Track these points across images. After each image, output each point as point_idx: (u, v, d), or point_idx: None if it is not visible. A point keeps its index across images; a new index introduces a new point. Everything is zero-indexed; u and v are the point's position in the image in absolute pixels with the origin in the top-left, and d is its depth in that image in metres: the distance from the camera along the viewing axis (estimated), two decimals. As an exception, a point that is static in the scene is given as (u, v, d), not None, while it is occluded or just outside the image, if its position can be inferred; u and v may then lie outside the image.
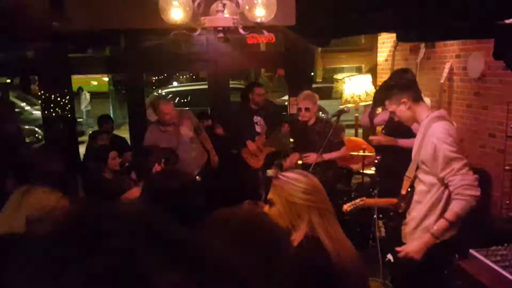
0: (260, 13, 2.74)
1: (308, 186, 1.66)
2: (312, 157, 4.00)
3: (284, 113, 7.94)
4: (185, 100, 9.90)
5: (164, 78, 11.19)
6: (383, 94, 2.66)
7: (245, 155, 5.06)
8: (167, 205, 1.66)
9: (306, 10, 2.65)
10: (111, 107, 11.48)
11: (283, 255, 0.99)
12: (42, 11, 4.12)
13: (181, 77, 11.54)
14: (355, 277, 1.55)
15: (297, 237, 1.58)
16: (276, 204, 1.68)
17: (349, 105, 5.33)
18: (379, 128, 4.47)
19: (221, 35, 2.88)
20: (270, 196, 1.72)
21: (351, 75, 5.65)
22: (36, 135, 8.92)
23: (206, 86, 7.13)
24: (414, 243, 2.42)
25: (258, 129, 5.13)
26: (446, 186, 2.38)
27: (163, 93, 10.03)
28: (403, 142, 3.63)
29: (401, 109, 2.53)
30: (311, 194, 1.65)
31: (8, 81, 11.05)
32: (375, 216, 4.10)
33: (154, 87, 10.24)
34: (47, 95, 4.46)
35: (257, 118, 5.15)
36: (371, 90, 5.46)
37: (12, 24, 3.64)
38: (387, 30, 3.55)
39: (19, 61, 4.78)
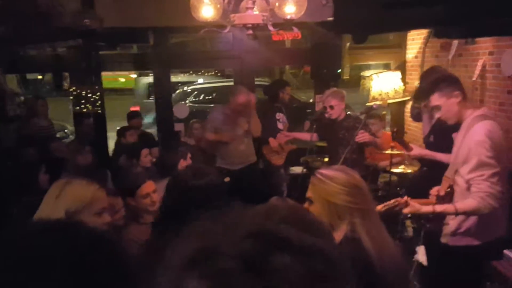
0: (290, 10, 2.73)
1: (350, 185, 1.59)
2: (365, 136, 3.78)
3: (308, 110, 7.89)
4: (210, 97, 9.96)
5: (190, 75, 11.30)
6: (430, 87, 2.57)
7: (266, 152, 5.07)
8: (192, 202, 1.68)
9: (344, 5, 2.62)
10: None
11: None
12: (73, 9, 4.22)
13: (206, 74, 11.63)
14: (398, 278, 1.51)
15: (336, 237, 1.52)
16: (315, 202, 1.63)
17: (378, 103, 5.26)
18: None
19: (250, 32, 2.89)
20: (309, 194, 1.66)
21: (379, 72, 5.56)
22: (65, 130, 9.15)
23: (230, 83, 7.17)
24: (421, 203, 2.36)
25: (280, 126, 5.14)
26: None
27: (189, 90, 10.11)
28: (443, 157, 3.11)
29: (452, 102, 2.42)
30: (352, 195, 1.58)
31: (40, 77, 11.40)
32: (402, 215, 4.04)
33: (180, 84, 10.31)
34: (78, 91, 4.57)
35: (279, 115, 5.15)
36: (400, 87, 5.37)
37: (44, 22, 3.74)
38: (429, 26, 3.44)
39: (51, 58, 4.92)
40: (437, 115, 2.58)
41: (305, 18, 2.97)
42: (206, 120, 4.80)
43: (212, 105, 8.51)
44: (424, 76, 3.24)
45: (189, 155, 3.71)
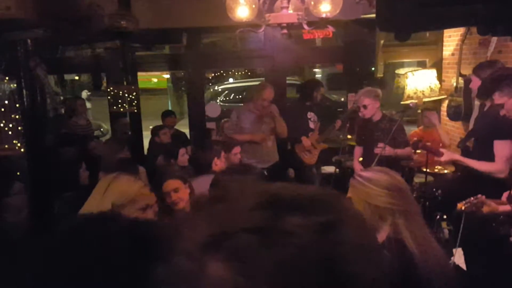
0: (325, 8, 2.72)
1: (391, 187, 1.56)
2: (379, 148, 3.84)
3: (339, 109, 7.81)
4: (240, 96, 10.02)
5: (220, 74, 11.43)
6: (490, 85, 2.51)
7: (299, 151, 5.06)
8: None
9: (387, 3, 2.58)
10: (169, 103, 11.90)
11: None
12: (111, 11, 4.34)
13: (236, 73, 11.72)
14: (442, 279, 1.48)
15: (380, 238, 1.50)
16: (355, 204, 1.60)
17: (412, 101, 5.16)
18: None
19: (285, 31, 2.90)
20: (349, 195, 1.65)
21: (414, 70, 5.44)
22: (101, 129, 9.44)
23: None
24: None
25: (311, 125, 5.12)
26: None
27: (219, 89, 10.22)
28: (475, 164, 2.94)
29: None
30: (394, 197, 1.55)
31: (77, 78, 11.82)
32: (438, 216, 3.94)
33: (210, 84, 10.45)
34: (115, 91, 4.70)
35: (310, 114, 5.14)
36: (436, 85, 5.23)
37: (85, 24, 3.86)
38: (474, 24, 3.32)
39: (90, 59, 5.09)
40: (501, 112, 2.51)
41: (339, 16, 2.95)
42: (230, 119, 4.85)
43: (241, 104, 8.57)
44: (484, 71, 3.14)
45: (223, 154, 3.75)
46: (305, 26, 2.83)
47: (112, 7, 4.45)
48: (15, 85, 3.05)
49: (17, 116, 3.04)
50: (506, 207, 2.30)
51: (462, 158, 3.11)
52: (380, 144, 3.70)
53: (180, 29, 5.38)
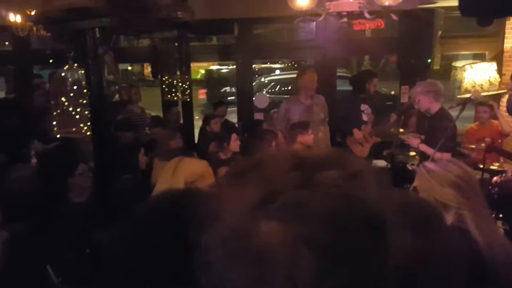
0: (389, -3, 2.67)
1: (458, 179, 1.54)
2: (414, 141, 3.81)
3: (389, 103, 7.62)
4: (287, 88, 10.01)
5: (266, 66, 11.48)
6: None
7: (350, 144, 5.00)
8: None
9: None
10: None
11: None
12: (168, 1, 4.46)
13: (283, 65, 11.71)
14: (510, 274, 1.45)
15: None
16: (420, 192, 1.60)
17: (468, 95, 4.96)
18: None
19: (345, 20, 2.87)
20: (415, 184, 1.65)
21: (473, 63, 5.23)
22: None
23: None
24: None
25: (364, 117, 5.03)
26: None
27: (266, 81, 10.26)
28: None
29: None
30: (460, 189, 1.53)
31: (130, 68, 12.26)
32: (493, 215, 3.79)
33: (256, 75, 10.52)
34: (170, 80, 4.84)
35: (364, 107, 5.05)
36: (496, 79, 5.02)
37: (146, 14, 3.99)
38: None
39: (149, 49, 5.26)
40: None
41: (401, 6, 2.89)
42: (279, 111, 4.87)
43: (287, 96, 8.57)
44: None
45: (274, 143, 3.78)
46: (366, 15, 2.80)
47: (169, -3, 4.57)
48: (82, 71, 3.22)
49: (84, 101, 3.20)
50: None
51: None
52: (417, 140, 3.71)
53: (231, 19, 5.44)
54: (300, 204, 0.48)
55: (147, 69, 12.03)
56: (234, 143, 3.97)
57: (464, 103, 3.55)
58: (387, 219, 0.50)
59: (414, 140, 3.81)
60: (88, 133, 3.22)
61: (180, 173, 1.78)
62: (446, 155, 3.82)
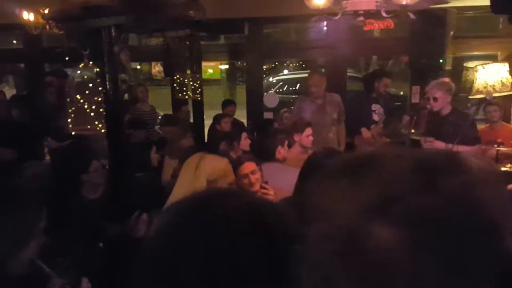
0: (406, -4, 2.66)
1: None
2: (439, 144, 3.78)
3: (398, 103, 7.59)
4: (294, 88, 10.01)
5: (275, 66, 11.48)
6: None
7: (358, 143, 4.99)
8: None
9: None
10: (224, 94, 12.12)
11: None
12: (181, 0, 4.47)
13: (290, 64, 11.71)
14: None
15: None
16: None
17: (479, 96, 4.95)
18: None
19: (361, 18, 2.87)
20: None
21: (485, 63, 5.21)
22: (159, 117, 9.75)
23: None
24: None
25: (375, 117, 5.02)
26: None
27: (274, 81, 10.27)
28: None
29: None
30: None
31: (138, 67, 12.30)
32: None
33: (265, 75, 10.54)
34: (181, 79, 4.85)
35: (375, 106, 5.03)
36: (508, 80, 4.99)
37: (159, 13, 4.00)
38: None
39: (161, 48, 5.27)
40: None
41: (419, 5, 2.88)
42: (292, 110, 4.90)
43: (295, 96, 8.56)
44: None
45: (286, 142, 3.78)
46: (384, 14, 2.79)
47: (181, -4, 4.57)
48: (98, 69, 3.23)
49: (99, 99, 3.21)
50: None
51: None
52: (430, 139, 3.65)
53: (242, 19, 5.44)
54: (423, 211, 0.46)
55: (155, 68, 12.07)
56: (245, 142, 3.97)
57: (479, 103, 3.53)
58: (505, 226, 0.49)
59: (438, 143, 3.75)
60: (103, 130, 3.23)
61: (202, 170, 1.78)
62: (477, 148, 3.80)
